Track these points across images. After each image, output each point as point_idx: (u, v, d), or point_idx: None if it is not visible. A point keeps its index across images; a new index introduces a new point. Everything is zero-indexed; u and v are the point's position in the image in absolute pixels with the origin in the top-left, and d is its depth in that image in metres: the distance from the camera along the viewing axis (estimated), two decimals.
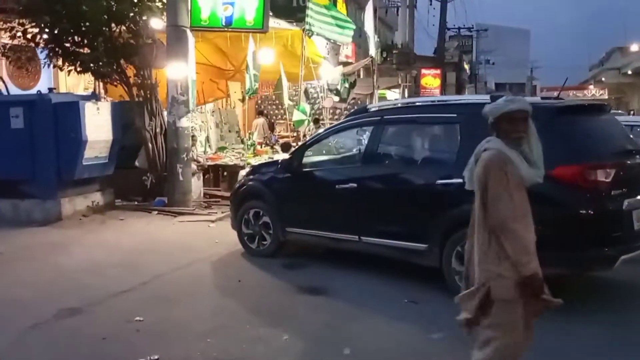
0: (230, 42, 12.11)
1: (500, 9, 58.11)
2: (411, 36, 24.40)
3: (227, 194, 11.22)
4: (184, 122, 10.29)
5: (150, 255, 7.39)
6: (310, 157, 6.90)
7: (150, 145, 10.99)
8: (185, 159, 10.33)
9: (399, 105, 6.21)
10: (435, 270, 5.64)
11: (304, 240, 6.82)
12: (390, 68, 24.75)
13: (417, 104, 6.23)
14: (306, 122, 11.06)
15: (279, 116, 22.02)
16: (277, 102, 22.99)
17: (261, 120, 17.33)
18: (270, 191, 6.99)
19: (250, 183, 7.35)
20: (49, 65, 11.06)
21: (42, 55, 10.99)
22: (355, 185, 6.07)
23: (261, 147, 13.33)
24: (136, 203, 10.90)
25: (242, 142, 14.18)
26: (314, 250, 7.17)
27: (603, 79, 62.90)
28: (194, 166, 10.99)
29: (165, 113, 10.77)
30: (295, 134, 20.56)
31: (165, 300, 5.68)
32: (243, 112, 17.25)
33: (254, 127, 17.02)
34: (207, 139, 13.02)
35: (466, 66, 45.15)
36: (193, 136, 11.21)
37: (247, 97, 12.61)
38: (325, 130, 6.83)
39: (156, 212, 10.18)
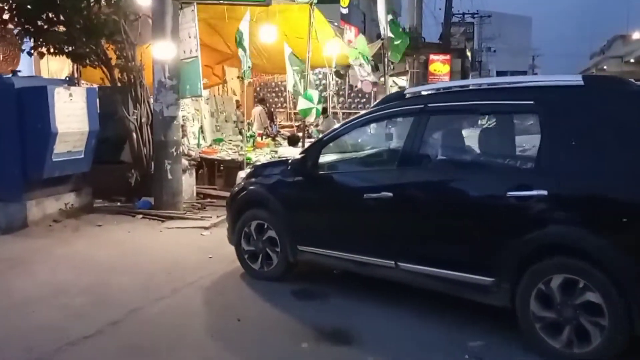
0: (227, 23, 10.51)
1: None
2: (419, 20, 22.81)
3: (224, 194, 9.71)
4: (173, 111, 8.74)
5: (128, 277, 5.88)
6: (329, 157, 5.39)
7: (134, 137, 9.46)
8: (175, 154, 8.79)
9: (450, 89, 4.65)
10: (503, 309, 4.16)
11: (320, 262, 5.31)
12: None
13: (475, 86, 4.64)
14: (314, 112, 9.51)
15: (279, 104, 20.51)
16: (277, 89, 21.60)
17: (259, 108, 15.72)
18: (277, 198, 5.48)
19: (252, 187, 5.83)
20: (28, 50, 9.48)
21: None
22: (390, 194, 4.56)
23: (262, 139, 11.78)
24: (119, 204, 9.39)
25: (240, 133, 12.63)
26: (332, 272, 5.67)
27: (605, 67, 61.74)
28: (185, 162, 9.45)
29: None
30: (298, 124, 19.11)
31: (140, 353, 4.17)
32: (240, 98, 15.67)
33: (252, 116, 15.47)
34: (201, 130, 11.46)
35: (468, 53, 43.59)
36: (182, 126, 9.63)
37: (245, 80, 11.06)
38: (347, 122, 5.28)
39: (140, 215, 8.67)
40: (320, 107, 9.73)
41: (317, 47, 11.16)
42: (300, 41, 10.57)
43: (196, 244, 7.24)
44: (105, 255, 6.70)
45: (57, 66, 12.29)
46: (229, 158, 10.16)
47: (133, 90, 9.41)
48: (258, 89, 22.55)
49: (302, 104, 9.59)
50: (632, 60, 55.09)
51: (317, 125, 14.71)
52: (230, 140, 11.83)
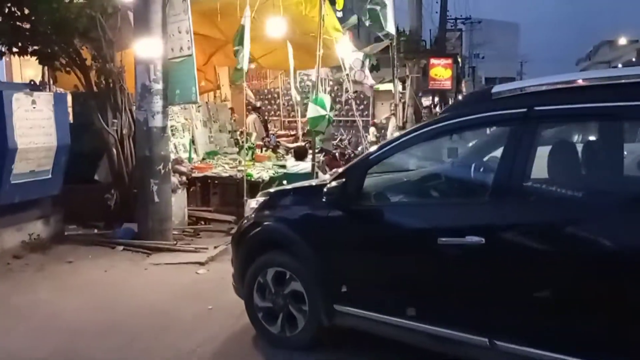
0: (221, 16, 8.96)
1: (487, 1, 55.39)
2: (419, 22, 21.45)
3: (220, 216, 8.19)
4: (160, 121, 7.17)
5: (101, 343, 4.32)
6: (378, 181, 3.87)
7: (114, 151, 7.90)
8: (163, 172, 7.21)
9: (570, 83, 3.13)
10: None
11: (368, 329, 3.76)
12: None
13: (611, 79, 3.10)
14: (326, 120, 8.00)
15: (272, 112, 19.05)
16: (270, 96, 20.13)
17: (253, 117, 14.11)
18: (304, 239, 3.95)
19: (268, 223, 4.29)
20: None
21: None
22: (480, 240, 3.04)
23: (261, 152, 10.23)
24: (95, 231, 7.80)
25: (237, 144, 11.08)
26: (380, 342, 4.12)
27: None
28: (174, 180, 7.89)
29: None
30: (294, 134, 17.55)
31: None
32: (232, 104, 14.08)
33: (246, 125, 13.91)
34: (192, 142, 9.89)
35: (459, 59, 42.44)
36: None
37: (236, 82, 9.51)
38: (409, 133, 3.73)
39: (122, 247, 7.08)
40: (332, 114, 8.21)
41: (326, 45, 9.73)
42: (307, 38, 9.08)
43: (191, 288, 5.68)
44: (74, 308, 5.13)
45: (33, 72, 10.68)
46: (226, 174, 8.61)
47: (112, 96, 7.88)
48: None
49: (311, 111, 8.07)
50: (619, 66, 54.56)
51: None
52: (226, 153, 10.26)
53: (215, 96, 13.53)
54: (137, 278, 6.04)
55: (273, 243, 4.20)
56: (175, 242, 7.12)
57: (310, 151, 9.10)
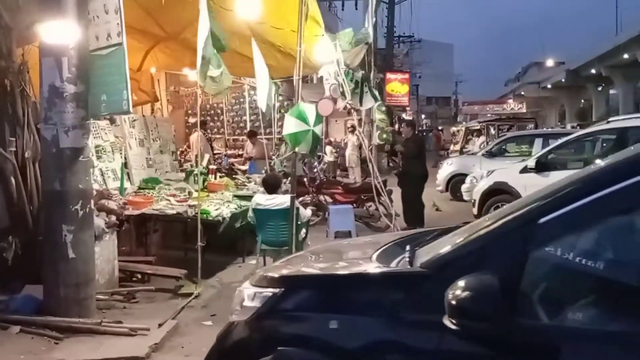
0: (165, 6, 6.62)
1: (421, 22, 54.86)
2: (374, 35, 19.70)
3: (165, 271, 5.87)
4: (78, 139, 4.81)
5: None
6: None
7: (12, 182, 5.46)
8: (81, 213, 4.83)
9: None
10: None
11: None
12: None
13: None
14: (310, 136, 5.79)
15: (215, 129, 16.79)
16: (212, 112, 17.81)
17: (197, 135, 11.68)
18: None
19: (291, 350, 2.05)
20: None
21: None
22: None
23: (215, 178, 7.89)
24: None
25: (182, 169, 8.72)
26: None
27: (523, 92, 62.12)
28: (99, 222, 5.51)
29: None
30: (240, 153, 15.20)
31: None
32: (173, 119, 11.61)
33: (189, 144, 11.54)
34: (125, 166, 7.47)
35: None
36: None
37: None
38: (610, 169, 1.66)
39: (18, 327, 4.62)
40: (319, 129, 6.03)
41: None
42: (279, 33, 6.91)
43: None
44: None
45: None
46: (173, 212, 6.24)
47: (10, 105, 5.46)
48: (189, 108, 18.58)
49: (289, 125, 5.86)
50: (549, 86, 55.34)
51: (278, 155, 10.99)
52: (169, 181, 7.86)
53: (153, 110, 11.07)
54: None
55: None
56: (99, 321, 4.71)
57: (284, 180, 6.92)
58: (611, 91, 48.79)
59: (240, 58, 7.57)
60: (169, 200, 6.57)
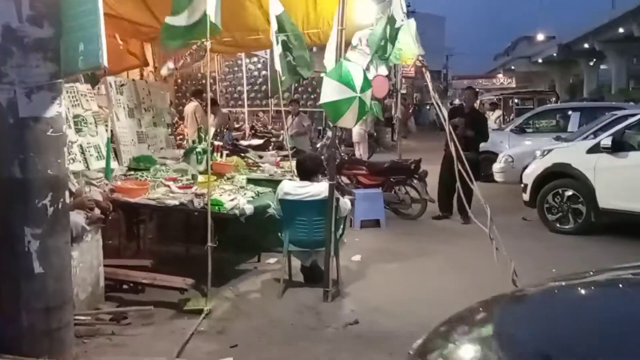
0: None
1: None
2: None
3: (165, 280, 4.44)
4: (45, 105, 3.33)
5: None
6: None
7: None
8: (51, 210, 3.37)
9: None
10: None
11: None
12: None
13: None
14: (356, 106, 4.32)
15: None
16: (203, 81, 16.25)
17: (194, 105, 10.13)
18: None
19: None
20: None
21: None
22: None
23: (221, 157, 6.40)
24: None
25: (179, 144, 7.25)
26: None
27: (513, 67, 61.06)
28: (78, 218, 4.05)
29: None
30: (238, 126, 13.64)
31: None
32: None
33: (185, 117, 9.97)
34: (110, 141, 5.95)
35: None
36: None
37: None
38: None
39: None
40: (368, 97, 4.53)
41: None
42: None
43: None
44: None
45: None
46: (175, 202, 4.76)
47: None
48: (179, 81, 16.91)
49: (329, 91, 4.37)
50: (540, 61, 54.47)
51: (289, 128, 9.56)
52: (165, 159, 6.36)
53: (142, 76, 9.48)
54: None
55: None
56: (75, 356, 3.29)
57: (325, 163, 5.49)
58: (601, 66, 48.07)
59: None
60: (168, 186, 5.09)
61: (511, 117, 15.10)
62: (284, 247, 4.77)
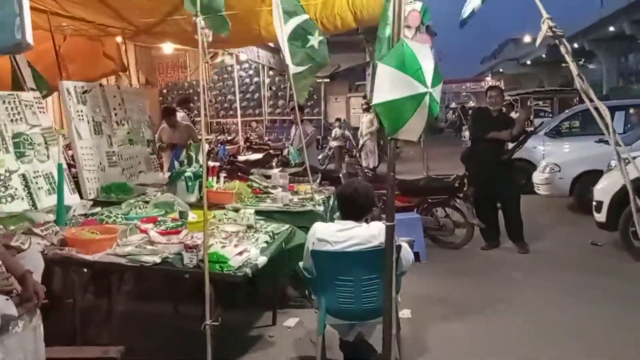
0: None
1: None
2: None
3: None
4: None
5: None
6: None
7: None
8: None
9: None
10: None
11: None
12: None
13: None
14: (426, 107, 2.84)
15: (194, 110, 13.72)
16: (191, 90, 14.97)
17: (180, 116, 8.50)
18: None
19: None
20: None
21: None
22: None
23: (217, 182, 4.79)
24: None
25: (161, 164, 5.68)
26: None
27: (501, 69, 60.18)
28: (6, 305, 2.44)
29: None
30: (230, 138, 12.02)
31: None
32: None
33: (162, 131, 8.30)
34: (68, 167, 4.33)
35: None
36: None
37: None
38: None
39: None
40: (438, 93, 3.00)
41: None
42: None
43: None
44: None
45: None
46: (152, 260, 3.15)
47: None
48: (165, 91, 15.36)
49: (389, 87, 2.83)
50: (528, 62, 53.82)
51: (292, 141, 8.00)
52: (145, 187, 4.72)
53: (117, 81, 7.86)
54: None
55: None
56: None
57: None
58: (590, 66, 47.37)
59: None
60: (145, 231, 3.48)
61: (531, 119, 13.70)
62: (318, 318, 3.18)
